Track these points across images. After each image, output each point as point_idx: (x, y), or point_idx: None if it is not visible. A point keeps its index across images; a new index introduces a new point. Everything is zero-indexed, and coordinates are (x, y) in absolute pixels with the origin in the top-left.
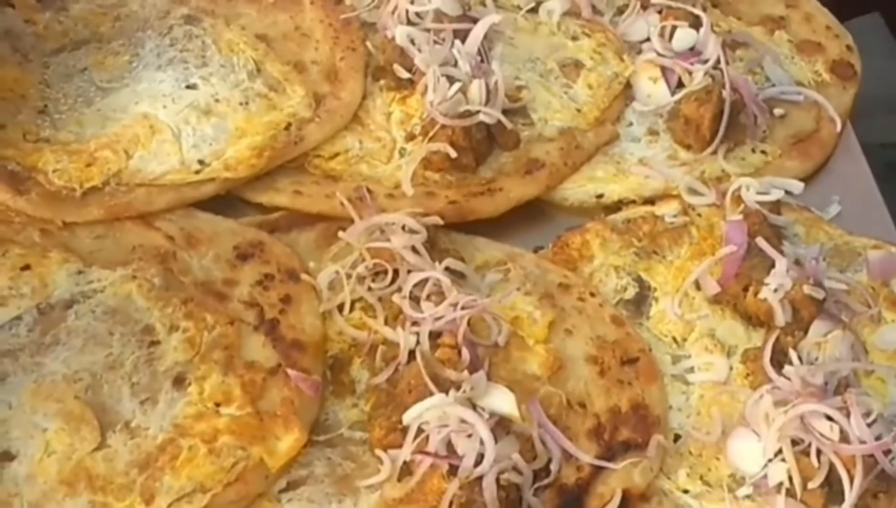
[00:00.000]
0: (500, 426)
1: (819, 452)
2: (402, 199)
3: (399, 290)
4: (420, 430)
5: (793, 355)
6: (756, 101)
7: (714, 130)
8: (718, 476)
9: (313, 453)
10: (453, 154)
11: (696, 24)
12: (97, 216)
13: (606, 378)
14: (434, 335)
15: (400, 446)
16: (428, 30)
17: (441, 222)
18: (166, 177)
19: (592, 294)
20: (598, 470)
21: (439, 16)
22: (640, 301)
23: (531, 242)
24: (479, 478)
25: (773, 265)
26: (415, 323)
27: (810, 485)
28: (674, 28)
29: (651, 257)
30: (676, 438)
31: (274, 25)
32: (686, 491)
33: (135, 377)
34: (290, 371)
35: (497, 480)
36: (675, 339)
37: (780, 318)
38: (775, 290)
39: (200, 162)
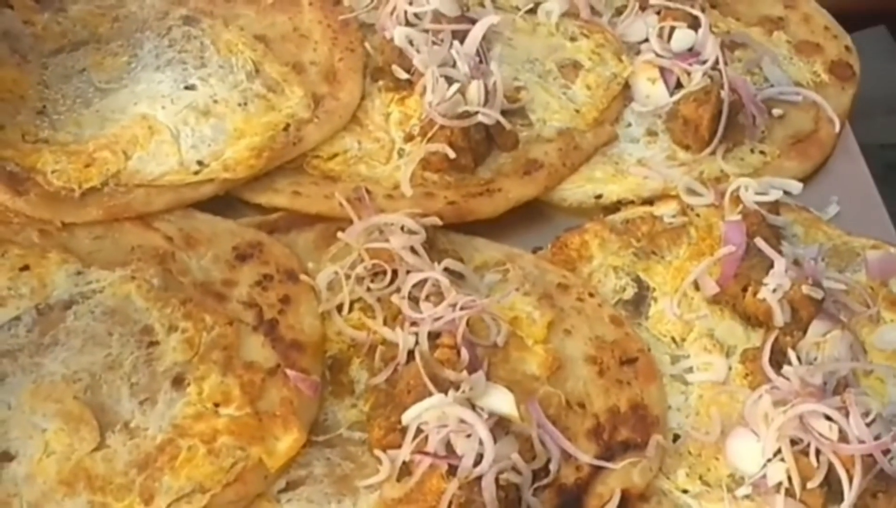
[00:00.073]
0: (500, 426)
1: (818, 452)
2: (401, 199)
3: (398, 290)
4: (419, 430)
5: (792, 355)
6: (755, 101)
7: (713, 131)
8: (717, 475)
9: (312, 453)
10: (452, 155)
11: (694, 24)
12: (96, 217)
13: (605, 378)
14: (433, 336)
15: (399, 446)
16: (426, 31)
17: (440, 222)
18: (165, 178)
19: (591, 295)
20: (597, 470)
21: (438, 17)
22: (639, 301)
23: (530, 242)
24: (479, 478)
25: (771, 265)
26: (414, 323)
27: (809, 485)
28: (672, 29)
29: (650, 258)
30: (675, 438)
31: (272, 26)
32: (685, 491)
33: (134, 378)
34: (289, 372)
35: (496, 480)
36: (673, 339)
37: (779, 318)
38: (774, 290)
39: (199, 163)
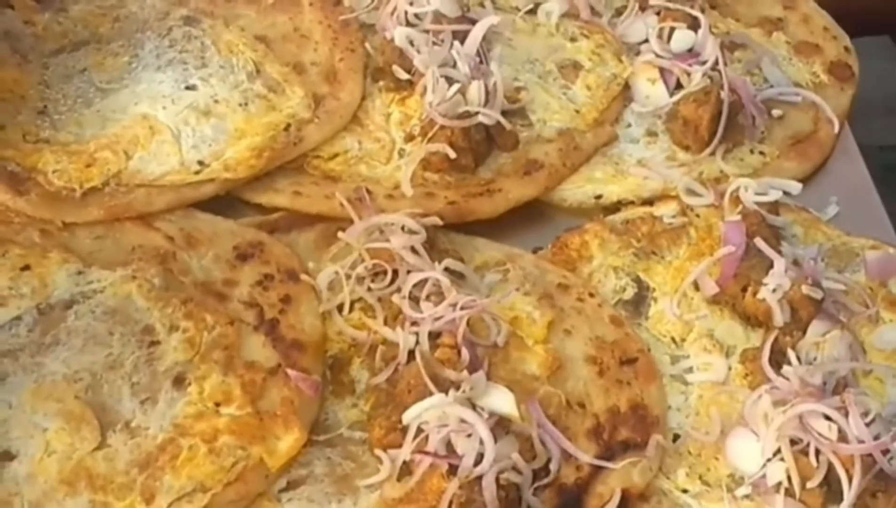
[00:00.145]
0: (500, 425)
1: (818, 452)
2: (402, 199)
3: (398, 290)
4: (420, 430)
5: (791, 355)
6: (754, 102)
7: (712, 131)
8: (717, 475)
9: (313, 452)
10: (452, 155)
11: (694, 25)
12: (97, 217)
13: (605, 378)
14: (433, 335)
15: (399, 445)
16: (427, 31)
17: (440, 222)
18: (166, 178)
19: (591, 295)
20: (597, 470)
21: (438, 17)
22: (639, 302)
23: (530, 242)
24: (479, 478)
25: (771, 266)
26: (414, 323)
27: (809, 485)
28: (672, 29)
29: (650, 258)
30: (675, 438)
31: (273, 27)
32: (685, 491)
33: (135, 377)
34: (289, 371)
35: (497, 479)
36: (673, 339)
37: (779, 318)
38: (774, 290)
39: (200, 163)
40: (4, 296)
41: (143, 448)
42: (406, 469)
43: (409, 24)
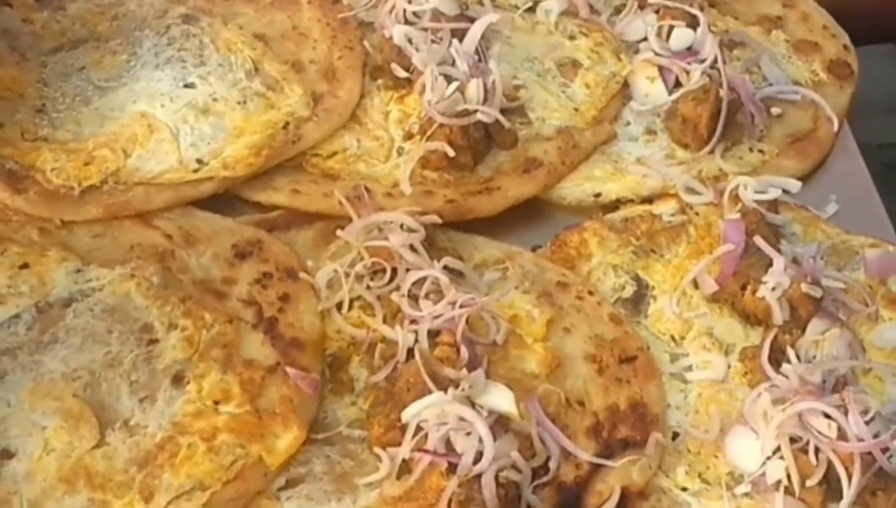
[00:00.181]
0: (499, 424)
1: (817, 450)
2: (401, 198)
3: (397, 288)
4: (419, 428)
5: (791, 353)
6: (753, 100)
7: (711, 130)
8: (717, 473)
9: (312, 451)
10: (451, 153)
11: (693, 23)
12: (95, 215)
13: (605, 377)
14: (433, 334)
15: (399, 444)
16: (425, 29)
17: (439, 220)
18: (164, 176)
19: (591, 293)
20: (596, 468)
21: (437, 15)
22: (638, 300)
23: (529, 240)
24: (478, 476)
25: (770, 264)
26: (413, 321)
27: (808, 483)
28: (671, 28)
29: (649, 256)
30: (675, 436)
31: (272, 25)
32: (684, 489)
33: (133, 376)
34: (288, 369)
35: (496, 478)
36: (673, 337)
37: (778, 316)
38: (773, 288)
39: (198, 161)
40: (3, 294)
41: (142, 446)
42: (405, 468)
43: (407, 22)
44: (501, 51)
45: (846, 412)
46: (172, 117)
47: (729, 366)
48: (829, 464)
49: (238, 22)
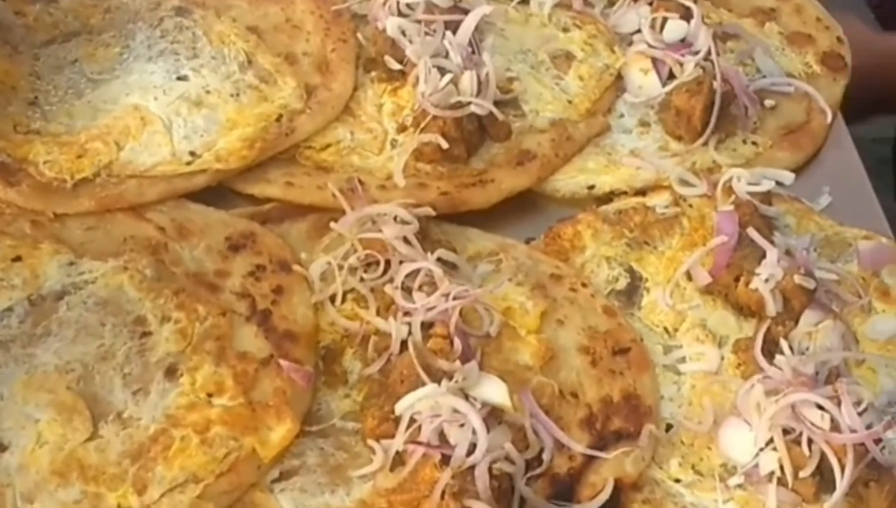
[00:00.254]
0: (493, 415)
1: (810, 441)
2: (394, 190)
3: (391, 280)
4: (412, 420)
5: (784, 344)
6: (747, 92)
7: (705, 121)
8: (710, 465)
9: (306, 443)
10: (445, 145)
11: (686, 15)
12: (88, 208)
13: (598, 368)
14: (426, 326)
15: (392, 436)
16: (419, 21)
17: (433, 212)
18: (157, 168)
19: (584, 285)
20: (590, 460)
21: (430, 7)
22: (632, 292)
23: (523, 233)
24: (472, 468)
25: (764, 256)
26: (407, 314)
27: (801, 474)
28: (664, 20)
29: (642, 248)
30: (668, 428)
31: (265, 17)
32: (678, 481)
33: (127, 368)
34: (282, 362)
35: (489, 469)
36: (666, 329)
37: (771, 308)
38: (766, 280)
39: (192, 153)
40: None
41: (136, 438)
42: (399, 460)
43: (401, 14)
44: (495, 43)
45: (839, 404)
46: (165, 110)
47: (722, 358)
48: (822, 455)
49: (231, 14)
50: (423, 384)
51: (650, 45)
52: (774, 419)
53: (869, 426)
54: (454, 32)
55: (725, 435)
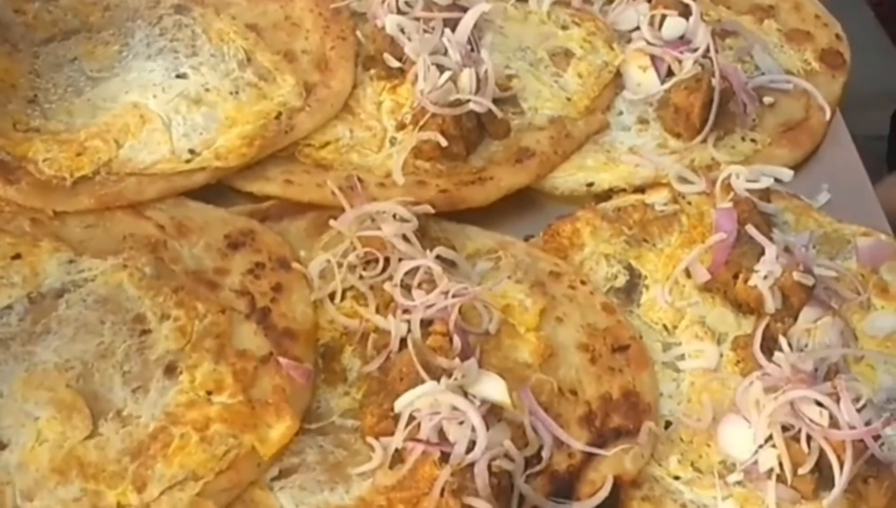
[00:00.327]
0: (492, 413)
1: (809, 438)
2: (393, 188)
3: (390, 278)
4: (412, 417)
5: (783, 341)
6: (745, 89)
7: (704, 119)
8: (709, 462)
9: (305, 441)
10: (444, 143)
11: (685, 12)
12: (88, 206)
13: (597, 366)
14: (425, 323)
15: (392, 433)
16: (418, 19)
17: (432, 210)
18: (157, 166)
19: (583, 282)
20: (589, 457)
21: (429, 5)
22: (631, 289)
23: (522, 230)
24: (471, 465)
25: (762, 253)
26: (406, 311)
27: (800, 471)
28: (663, 17)
29: (641, 245)
30: (667, 425)
31: (264, 15)
32: (677, 478)
33: (126, 366)
34: (281, 360)
35: (489, 467)
36: (665, 326)
37: (770, 305)
38: (765, 277)
39: (191, 151)
40: None
41: (135, 436)
42: (398, 457)
43: (399, 11)
44: (494, 40)
45: (838, 400)
46: (164, 108)
47: (721, 355)
48: (821, 452)
49: (230, 12)
50: (423, 381)
51: (649, 43)
52: (773, 415)
53: (868, 423)
54: (453, 30)
55: (724, 432)
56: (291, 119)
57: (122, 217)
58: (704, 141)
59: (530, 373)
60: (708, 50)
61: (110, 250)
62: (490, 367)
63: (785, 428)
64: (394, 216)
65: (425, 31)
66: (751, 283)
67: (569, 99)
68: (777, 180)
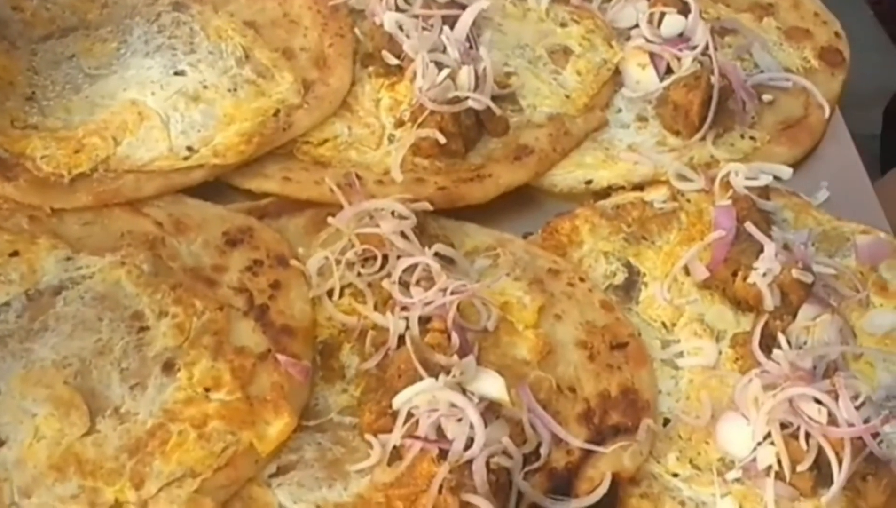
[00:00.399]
0: (490, 410)
1: (808, 435)
2: (392, 185)
3: (388, 275)
4: (410, 414)
5: (781, 339)
6: (744, 87)
7: (703, 116)
8: (708, 459)
9: (303, 438)
10: (442, 140)
11: (684, 10)
12: (86, 203)
13: (596, 363)
14: (423, 320)
15: (390, 430)
16: (416, 16)
17: (430, 207)
18: (155, 163)
19: (582, 279)
20: (587, 454)
21: (428, 2)
22: (630, 286)
23: (520, 228)
24: (469, 462)
25: (761, 250)
26: (404, 308)
27: (799, 468)
28: (662, 14)
29: (640, 243)
30: (666, 422)
31: (262, 12)
32: (675, 475)
33: (124, 363)
34: (279, 356)
35: (487, 464)
36: (664, 324)
37: (769, 302)
38: (764, 274)
39: (189, 148)
40: None
41: (133, 433)
42: (396, 454)
43: (398, 9)
44: (492, 38)
45: (837, 398)
46: (163, 105)
47: (720, 352)
48: (820, 450)
49: (228, 9)
50: (421, 378)
51: (648, 40)
52: (772, 413)
53: (866, 421)
54: (452, 27)
55: (723, 430)
56: (290, 116)
57: (120, 214)
58: (703, 139)
59: (529, 370)
60: (707, 48)
61: (108, 247)
62: (488, 364)
63: (784, 426)
64: (392, 213)
65: (424, 28)
66: (750, 280)
67: (567, 96)
68: (776, 178)
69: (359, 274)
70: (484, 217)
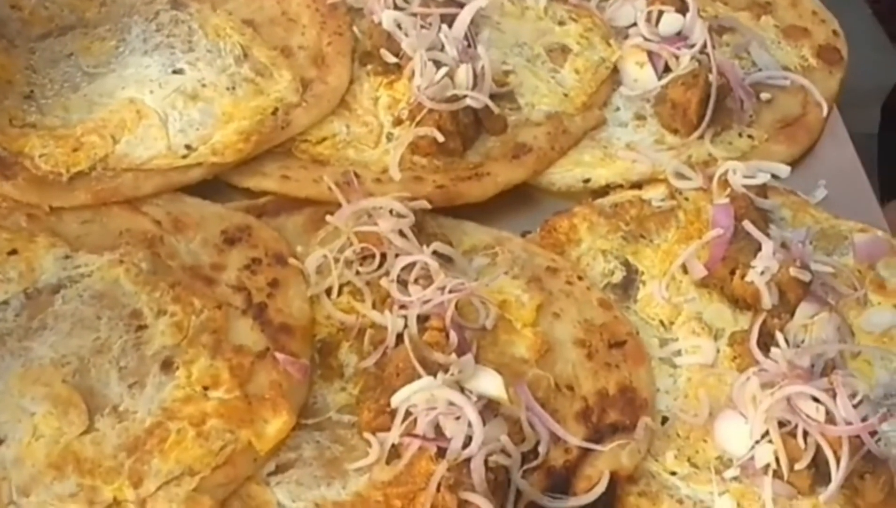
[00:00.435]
0: (488, 408)
1: (805, 433)
2: (390, 183)
3: (387, 274)
4: (408, 413)
5: (779, 337)
6: (743, 85)
7: (701, 115)
8: (706, 457)
9: (302, 436)
10: (441, 138)
11: (682, 8)
12: (84, 201)
13: (594, 361)
14: (422, 319)
15: (388, 429)
16: (415, 14)
17: (429, 206)
18: (153, 162)
19: (580, 278)
20: (585, 453)
21: (426, 0)
22: (628, 285)
23: (519, 226)
24: (468, 460)
25: (759, 248)
26: (403, 307)
27: (797, 466)
28: (660, 13)
29: (638, 241)
30: (664, 420)
31: (260, 10)
32: (673, 473)
33: (122, 361)
34: (278, 355)
35: (485, 462)
36: (662, 322)
37: (767, 300)
38: (762, 273)
39: (187, 147)
40: None
41: (131, 431)
42: (395, 453)
43: (396, 7)
44: (491, 36)
45: (834, 396)
46: (161, 103)
47: (718, 350)
48: (818, 448)
49: (227, 7)
50: (419, 377)
51: (646, 39)
52: (770, 411)
53: (864, 419)
54: (450, 25)
55: (721, 428)
56: (288, 115)
57: (119, 213)
58: (701, 137)
59: (527, 369)
60: (705, 46)
61: (107, 246)
62: (487, 362)
63: (781, 424)
64: (390, 212)
65: (422, 26)
66: (747, 279)
67: (566, 95)
68: (774, 176)
69: (357, 272)
70: (482, 216)
